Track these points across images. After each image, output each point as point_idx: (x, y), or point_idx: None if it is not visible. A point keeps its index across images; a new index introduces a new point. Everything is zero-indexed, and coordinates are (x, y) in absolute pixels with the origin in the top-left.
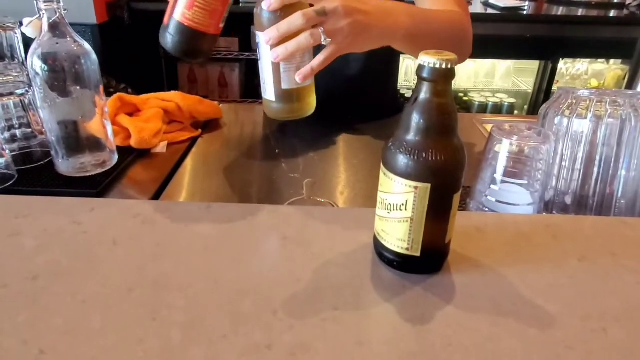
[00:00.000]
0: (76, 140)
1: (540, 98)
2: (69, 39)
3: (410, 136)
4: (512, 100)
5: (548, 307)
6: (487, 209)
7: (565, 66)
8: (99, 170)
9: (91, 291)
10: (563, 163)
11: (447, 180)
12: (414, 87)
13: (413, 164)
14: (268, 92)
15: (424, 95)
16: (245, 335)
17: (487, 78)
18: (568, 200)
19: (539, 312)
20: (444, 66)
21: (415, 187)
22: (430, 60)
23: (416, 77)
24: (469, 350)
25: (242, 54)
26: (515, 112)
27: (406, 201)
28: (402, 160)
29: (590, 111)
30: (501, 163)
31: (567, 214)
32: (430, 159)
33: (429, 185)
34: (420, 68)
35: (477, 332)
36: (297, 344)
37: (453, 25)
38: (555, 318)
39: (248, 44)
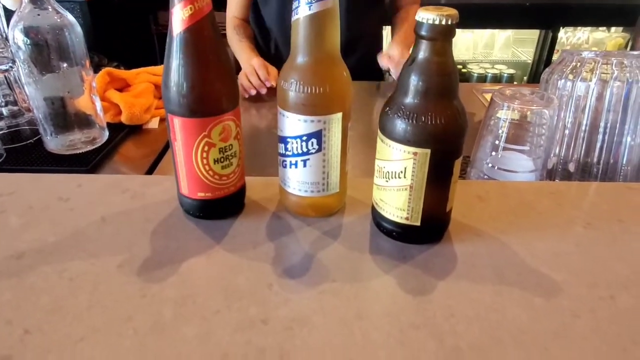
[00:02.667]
0: (64, 117)
1: (540, 68)
2: (50, 10)
3: (409, 99)
4: (511, 71)
5: (554, 275)
6: (487, 177)
7: (566, 35)
8: (90, 148)
9: (78, 269)
10: (566, 129)
11: (448, 145)
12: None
13: (412, 128)
14: (332, 184)
15: (422, 54)
16: (240, 310)
17: (486, 49)
18: (571, 167)
19: (545, 281)
20: (443, 22)
21: (415, 153)
22: (429, 16)
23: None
24: (472, 320)
25: None
26: (515, 83)
27: (405, 168)
28: (400, 125)
29: (596, 74)
30: (502, 129)
31: (570, 181)
32: (429, 122)
33: (428, 151)
34: (418, 25)
35: (480, 302)
36: (294, 317)
37: None
38: (561, 286)
39: None
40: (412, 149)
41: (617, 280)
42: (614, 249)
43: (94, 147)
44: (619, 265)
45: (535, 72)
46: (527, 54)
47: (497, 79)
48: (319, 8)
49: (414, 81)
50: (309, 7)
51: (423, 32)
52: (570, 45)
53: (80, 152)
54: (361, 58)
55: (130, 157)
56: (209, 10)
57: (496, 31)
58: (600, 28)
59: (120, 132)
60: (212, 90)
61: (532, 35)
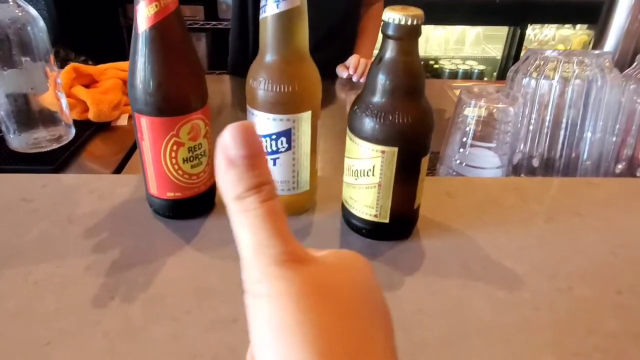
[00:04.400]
0: (28, 114)
1: (509, 64)
2: (11, 4)
3: (376, 98)
4: (481, 67)
5: (516, 268)
6: (456, 173)
7: (534, 32)
8: (55, 146)
9: (44, 272)
10: (530, 126)
11: (415, 143)
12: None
13: (379, 127)
14: (302, 182)
15: (389, 54)
16: (211, 310)
17: (457, 45)
18: (535, 162)
19: (508, 274)
20: (409, 22)
21: (382, 152)
22: (395, 16)
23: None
24: (438, 314)
25: (207, 23)
26: (485, 78)
27: (373, 166)
28: (367, 123)
29: (558, 72)
30: (470, 126)
31: (534, 176)
32: (396, 121)
33: (396, 149)
34: (385, 25)
35: (447, 297)
36: None
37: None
38: (523, 279)
39: (214, 13)
40: (380, 147)
41: (575, 271)
42: (573, 242)
43: (59, 145)
44: (577, 257)
45: (504, 68)
46: (496, 50)
47: (468, 74)
48: (287, 6)
49: (381, 80)
50: (277, 5)
51: (389, 32)
52: (537, 42)
53: (46, 150)
54: (335, 52)
55: (98, 155)
56: (175, 7)
57: (467, 28)
58: (566, 25)
59: (88, 129)
60: (179, 89)
61: (501, 32)
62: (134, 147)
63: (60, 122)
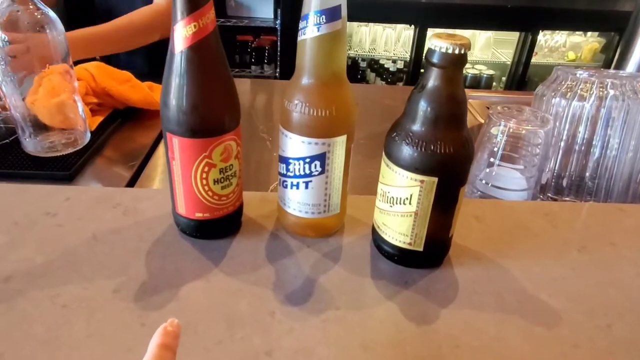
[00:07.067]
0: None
1: (519, 70)
2: (31, 7)
3: (417, 126)
4: (491, 72)
5: (552, 302)
6: (480, 193)
7: (544, 38)
8: (71, 150)
9: (72, 294)
10: (560, 143)
11: (455, 173)
12: (394, 58)
13: (419, 156)
14: (333, 205)
15: (433, 82)
16: (243, 340)
17: None
18: (564, 183)
19: (544, 308)
20: (456, 51)
21: (422, 181)
22: (441, 44)
23: (402, 50)
24: (477, 351)
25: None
26: (494, 84)
27: (411, 195)
28: (407, 151)
29: (592, 94)
30: (498, 146)
31: (562, 196)
32: (438, 151)
33: (436, 179)
34: (429, 52)
35: (484, 332)
36: (298, 349)
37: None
38: (560, 314)
39: (222, 10)
40: (419, 177)
41: (612, 307)
42: (608, 273)
43: (75, 149)
44: (613, 291)
45: (514, 74)
46: (506, 55)
47: (477, 79)
48: (328, 30)
49: (422, 108)
50: (317, 28)
51: (434, 60)
52: (548, 48)
53: (61, 154)
54: None
55: (115, 160)
56: (214, 27)
57: (477, 32)
58: (577, 32)
59: (103, 132)
60: (215, 111)
61: (512, 36)
62: (150, 153)
63: (76, 125)
